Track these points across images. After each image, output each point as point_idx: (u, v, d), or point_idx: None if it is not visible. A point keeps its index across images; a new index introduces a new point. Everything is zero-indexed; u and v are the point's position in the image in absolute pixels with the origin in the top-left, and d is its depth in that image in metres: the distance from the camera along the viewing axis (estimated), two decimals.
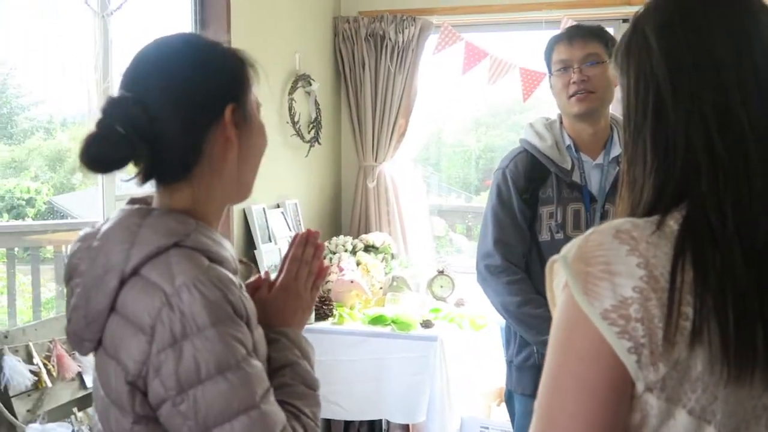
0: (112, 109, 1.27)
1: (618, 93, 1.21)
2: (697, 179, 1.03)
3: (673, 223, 1.01)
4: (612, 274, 0.96)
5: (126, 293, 1.22)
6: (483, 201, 6.12)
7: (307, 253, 1.51)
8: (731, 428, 0.99)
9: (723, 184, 1.01)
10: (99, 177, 3.07)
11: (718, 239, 0.99)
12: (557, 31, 4.03)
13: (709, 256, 0.98)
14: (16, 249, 4.11)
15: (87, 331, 1.27)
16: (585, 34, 2.56)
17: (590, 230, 1.02)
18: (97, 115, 1.29)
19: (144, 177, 1.31)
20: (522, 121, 6.32)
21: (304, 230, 1.55)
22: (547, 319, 2.47)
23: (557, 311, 1.03)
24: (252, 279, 1.52)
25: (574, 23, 4.01)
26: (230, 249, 1.35)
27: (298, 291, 1.48)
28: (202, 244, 1.26)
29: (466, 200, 6.21)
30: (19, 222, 5.04)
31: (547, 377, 1.01)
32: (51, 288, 4.39)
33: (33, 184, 5.31)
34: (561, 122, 2.63)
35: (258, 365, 1.22)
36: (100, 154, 1.25)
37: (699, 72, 1.04)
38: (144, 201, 1.38)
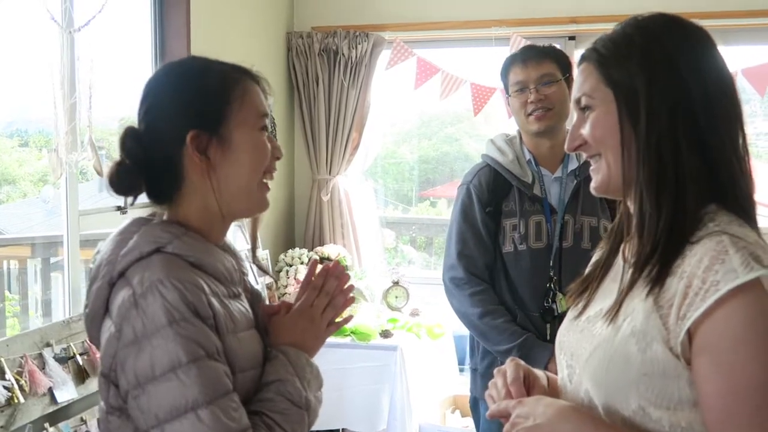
0: (120, 140, 1.43)
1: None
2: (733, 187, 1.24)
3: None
4: None
5: (113, 294, 1.34)
6: (421, 212, 6.24)
7: (329, 285, 1.55)
8: None
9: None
10: (65, 193, 3.07)
11: None
12: (506, 48, 4.21)
13: None
14: None
15: (92, 329, 1.40)
16: (538, 55, 2.67)
17: (734, 245, 1.14)
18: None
19: (126, 193, 1.45)
20: (455, 134, 6.44)
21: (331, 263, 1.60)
22: (506, 330, 2.59)
23: (738, 324, 1.12)
24: (274, 304, 1.58)
25: (524, 40, 4.15)
26: (223, 258, 1.43)
27: (312, 317, 1.51)
28: (183, 250, 1.35)
29: (403, 212, 6.29)
30: None
31: (746, 384, 1.11)
32: None
33: None
34: (521, 138, 2.74)
35: (216, 367, 1.28)
36: (116, 183, 1.42)
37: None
38: (153, 214, 1.50)
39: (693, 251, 1.17)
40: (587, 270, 1.48)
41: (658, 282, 1.20)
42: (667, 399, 1.19)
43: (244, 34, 4.22)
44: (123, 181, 1.43)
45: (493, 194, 2.69)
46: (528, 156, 2.71)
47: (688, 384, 1.18)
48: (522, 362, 1.47)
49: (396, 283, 4.37)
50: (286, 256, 4.41)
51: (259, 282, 4.14)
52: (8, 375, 2.50)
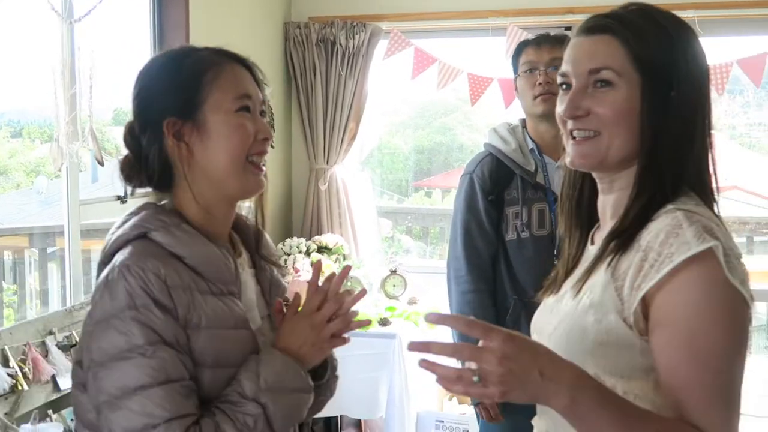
0: (123, 136, 1.51)
1: None
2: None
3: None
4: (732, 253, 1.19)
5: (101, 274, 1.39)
6: (416, 202, 6.27)
7: (339, 295, 1.49)
8: None
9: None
10: (66, 183, 3.09)
11: None
12: (503, 38, 4.23)
13: None
14: None
15: None
16: (552, 40, 2.71)
17: (687, 219, 1.20)
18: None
19: (136, 185, 1.51)
20: (449, 123, 6.46)
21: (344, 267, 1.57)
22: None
23: (694, 293, 1.17)
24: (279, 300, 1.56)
25: (520, 30, 4.18)
26: (213, 254, 1.44)
27: (313, 323, 1.47)
28: (166, 239, 1.40)
29: (398, 202, 6.32)
30: None
31: (705, 350, 1.15)
32: None
33: None
34: (524, 126, 2.77)
35: (171, 354, 1.31)
36: (122, 174, 1.50)
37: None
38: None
39: (649, 227, 1.23)
40: (559, 262, 1.52)
41: (616, 255, 1.25)
42: (620, 368, 1.23)
43: (242, 25, 4.23)
44: (124, 171, 1.50)
45: (495, 183, 2.72)
46: (531, 144, 2.74)
47: (641, 353, 1.22)
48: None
49: (393, 272, 4.39)
50: (284, 245, 4.44)
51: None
52: (12, 363, 2.52)
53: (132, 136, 1.48)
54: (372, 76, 4.65)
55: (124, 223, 1.45)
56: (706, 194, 1.29)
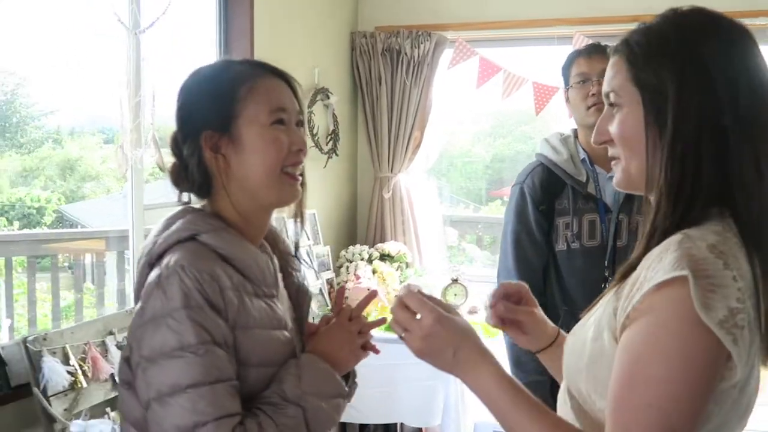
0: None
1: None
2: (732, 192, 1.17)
3: (730, 235, 1.15)
4: (719, 287, 1.07)
5: (150, 276, 1.43)
6: (491, 211, 6.23)
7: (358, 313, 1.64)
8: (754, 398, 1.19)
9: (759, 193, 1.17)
10: (130, 188, 3.19)
11: None
12: (569, 47, 4.18)
13: None
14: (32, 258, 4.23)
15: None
16: (603, 50, 2.69)
17: (678, 245, 1.10)
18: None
19: (183, 190, 1.58)
20: (530, 132, 6.42)
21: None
22: (534, 360, 2.57)
23: (656, 320, 1.10)
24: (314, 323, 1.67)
25: (586, 39, 4.13)
26: (257, 257, 1.51)
27: (350, 331, 1.59)
28: (216, 242, 1.45)
29: (474, 211, 6.29)
30: (37, 231, 5.14)
31: (646, 379, 1.08)
32: (63, 297, 4.49)
33: (43, 192, 5.41)
34: (575, 137, 2.75)
35: (221, 354, 1.36)
36: (173, 180, 1.57)
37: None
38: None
39: (653, 250, 1.16)
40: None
41: (626, 274, 1.20)
42: (607, 389, 1.18)
43: (308, 35, 4.30)
44: (173, 177, 1.57)
45: (546, 193, 2.71)
46: (582, 155, 2.71)
47: None
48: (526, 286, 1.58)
49: (455, 281, 4.39)
50: (347, 252, 4.49)
51: (319, 277, 4.22)
52: (72, 360, 2.62)
53: (176, 145, 1.55)
54: (437, 85, 4.66)
55: (169, 225, 1.50)
56: (746, 227, 1.17)
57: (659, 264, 1.11)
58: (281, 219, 3.03)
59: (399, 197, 4.75)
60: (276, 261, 1.63)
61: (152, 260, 1.46)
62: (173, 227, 1.48)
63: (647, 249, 1.17)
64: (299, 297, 1.67)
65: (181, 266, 1.37)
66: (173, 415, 1.32)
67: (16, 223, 5.13)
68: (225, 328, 1.38)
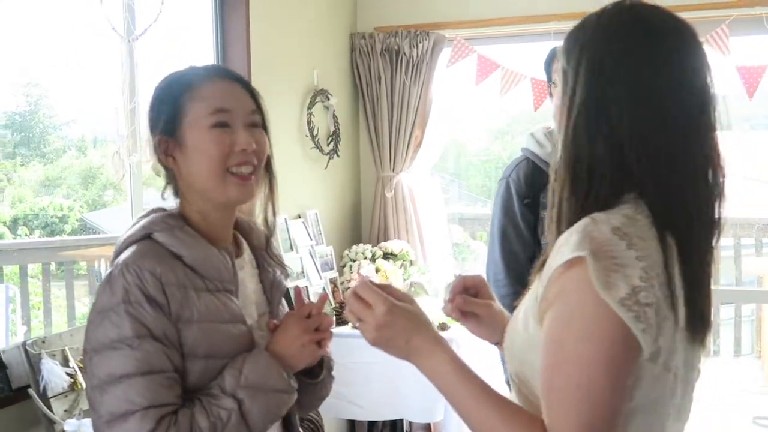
0: None
1: None
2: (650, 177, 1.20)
3: (641, 217, 1.18)
4: (621, 267, 1.11)
5: None
6: None
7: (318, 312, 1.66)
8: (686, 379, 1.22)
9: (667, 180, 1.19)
10: (129, 193, 3.25)
11: (690, 231, 1.19)
12: None
13: (687, 248, 1.18)
14: (52, 264, 4.29)
15: None
16: None
17: (583, 227, 1.14)
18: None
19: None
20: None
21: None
22: None
23: (567, 302, 1.14)
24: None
25: None
26: (212, 255, 1.55)
27: (304, 327, 1.60)
28: (168, 240, 1.51)
29: (490, 208, 6.29)
30: (54, 238, 5.21)
31: (569, 361, 1.12)
32: (85, 302, 4.55)
33: (66, 201, 5.48)
34: None
35: (158, 347, 1.42)
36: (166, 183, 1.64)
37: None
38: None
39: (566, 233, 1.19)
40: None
41: (545, 261, 1.23)
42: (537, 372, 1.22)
43: (307, 36, 4.34)
44: (165, 178, 1.66)
45: (530, 186, 2.73)
46: None
47: None
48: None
49: None
50: (350, 251, 4.53)
51: (322, 276, 4.26)
52: (71, 363, 2.67)
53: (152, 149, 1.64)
54: (436, 83, 4.70)
55: (133, 225, 1.58)
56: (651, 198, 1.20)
57: (564, 247, 1.14)
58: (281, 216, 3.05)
59: (401, 196, 4.78)
60: (246, 257, 1.68)
61: (114, 257, 1.53)
62: (135, 227, 1.56)
63: (558, 234, 1.21)
64: (273, 291, 1.71)
65: (126, 264, 1.45)
66: (108, 403, 1.40)
67: (38, 232, 5.22)
68: (166, 323, 1.44)
